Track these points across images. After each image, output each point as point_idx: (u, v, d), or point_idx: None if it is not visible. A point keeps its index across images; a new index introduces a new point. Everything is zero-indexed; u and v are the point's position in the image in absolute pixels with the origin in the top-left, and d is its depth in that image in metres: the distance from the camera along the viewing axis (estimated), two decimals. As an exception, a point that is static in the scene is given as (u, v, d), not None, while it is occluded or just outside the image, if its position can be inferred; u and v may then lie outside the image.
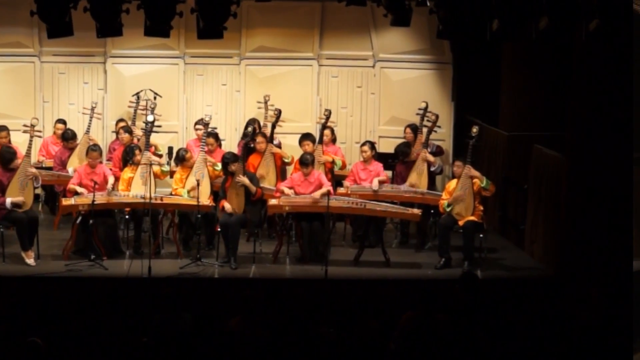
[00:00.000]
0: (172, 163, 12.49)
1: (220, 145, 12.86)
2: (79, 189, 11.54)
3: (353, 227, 12.63)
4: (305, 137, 12.59)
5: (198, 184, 11.53)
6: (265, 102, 13.52)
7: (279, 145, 13.03)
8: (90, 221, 11.17)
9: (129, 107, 13.55)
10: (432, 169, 12.52)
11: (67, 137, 12.79)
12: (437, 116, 12.77)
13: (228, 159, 11.67)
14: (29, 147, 11.55)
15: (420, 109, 12.85)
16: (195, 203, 11.41)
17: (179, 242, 11.80)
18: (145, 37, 10.15)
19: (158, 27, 9.89)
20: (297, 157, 12.30)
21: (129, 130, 12.75)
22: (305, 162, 11.80)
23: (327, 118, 12.81)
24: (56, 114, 13.79)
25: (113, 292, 10.43)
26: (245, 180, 11.59)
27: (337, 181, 12.74)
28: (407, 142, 12.72)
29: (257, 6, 13.09)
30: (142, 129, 12.35)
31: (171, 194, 11.96)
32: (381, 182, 12.29)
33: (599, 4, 9.62)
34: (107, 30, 9.94)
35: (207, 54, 13.90)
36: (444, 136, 13.93)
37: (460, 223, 11.56)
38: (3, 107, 13.80)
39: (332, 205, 11.49)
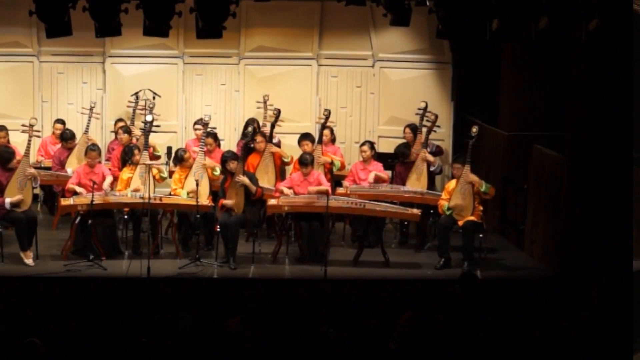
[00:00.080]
0: (171, 163, 12.47)
1: (219, 145, 12.85)
2: (78, 189, 11.53)
3: (352, 227, 12.61)
4: (305, 137, 12.58)
5: (197, 184, 11.51)
6: (265, 102, 13.51)
7: (278, 144, 13.02)
8: (89, 221, 11.17)
9: (128, 107, 13.54)
10: (432, 168, 12.51)
11: (66, 137, 12.77)
12: (436, 116, 12.76)
13: (227, 157, 11.65)
14: (28, 147, 11.54)
15: (419, 109, 12.84)
16: (194, 203, 11.39)
17: (178, 242, 11.79)
18: (144, 37, 10.13)
19: (157, 27, 9.88)
20: (296, 157, 12.28)
21: (127, 131, 12.74)
22: (305, 162, 11.79)
23: (327, 118, 12.80)
24: (55, 114, 13.78)
25: (112, 292, 10.40)
26: (245, 180, 11.57)
27: (336, 181, 12.73)
28: (407, 143, 12.70)
29: (256, 6, 13.06)
30: (141, 129, 12.34)
31: (170, 194, 11.94)
32: (381, 180, 12.27)
33: (598, 3, 9.61)
34: (106, 30, 9.92)
35: (206, 53, 13.89)
36: (443, 136, 13.92)
37: (460, 223, 11.55)
38: (2, 107, 13.79)
39: (332, 205, 11.47)
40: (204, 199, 11.63)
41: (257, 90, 13.85)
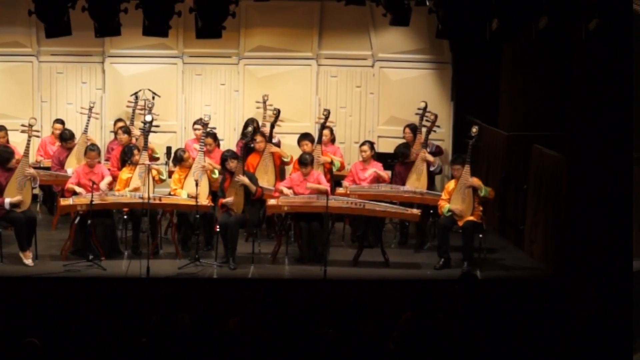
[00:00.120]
0: (170, 163, 12.46)
1: (218, 145, 12.84)
2: (78, 189, 11.52)
3: (352, 227, 12.61)
4: (304, 137, 12.57)
5: (196, 184, 11.49)
6: (264, 102, 13.50)
7: (278, 144, 13.01)
8: (89, 221, 11.15)
9: (128, 107, 13.53)
10: (432, 168, 12.50)
11: (65, 138, 12.77)
12: (436, 116, 12.74)
13: (227, 156, 11.63)
14: (27, 147, 11.52)
15: (419, 109, 12.84)
16: (193, 203, 11.38)
17: (177, 242, 11.77)
18: (144, 37, 10.11)
19: (156, 27, 9.87)
20: (296, 157, 12.27)
21: (127, 131, 12.73)
22: (305, 162, 11.78)
23: (326, 118, 12.79)
24: (54, 114, 13.78)
25: (111, 292, 10.42)
26: (245, 179, 11.56)
27: (335, 181, 12.72)
28: (407, 143, 12.70)
29: (255, 6, 13.07)
30: (140, 129, 12.32)
31: (170, 194, 11.93)
32: (381, 179, 12.27)
33: (598, 3, 9.61)
34: (106, 29, 9.91)
35: (205, 53, 13.88)
36: (443, 136, 13.92)
37: (460, 223, 11.54)
38: (1, 107, 13.78)
39: (331, 205, 11.46)
40: (204, 199, 11.62)
41: (257, 90, 13.84)
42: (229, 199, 11.50)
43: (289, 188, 11.78)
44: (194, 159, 12.06)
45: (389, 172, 12.65)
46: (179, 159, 12.06)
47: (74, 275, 10.92)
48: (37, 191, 12.68)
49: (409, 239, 12.59)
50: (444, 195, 11.73)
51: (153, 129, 12.08)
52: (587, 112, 10.71)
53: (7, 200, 11.17)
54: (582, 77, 10.76)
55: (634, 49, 10.06)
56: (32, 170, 11.48)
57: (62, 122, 13.24)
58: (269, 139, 12.67)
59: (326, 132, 12.89)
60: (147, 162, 11.71)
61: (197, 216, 11.42)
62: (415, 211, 11.67)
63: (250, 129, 12.47)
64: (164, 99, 13.64)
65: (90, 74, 13.98)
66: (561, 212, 11.21)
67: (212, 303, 10.26)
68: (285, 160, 12.76)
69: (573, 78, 10.96)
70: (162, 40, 12.57)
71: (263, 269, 11.38)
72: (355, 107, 14.25)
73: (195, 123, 13.04)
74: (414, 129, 12.84)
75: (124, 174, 11.83)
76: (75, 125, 13.46)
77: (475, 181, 11.54)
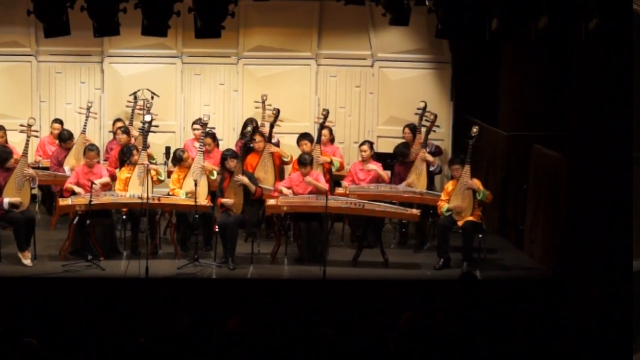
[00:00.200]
0: (170, 163, 12.44)
1: (217, 145, 12.82)
2: (77, 189, 11.50)
3: (351, 227, 12.59)
4: (303, 136, 12.55)
5: (195, 184, 11.48)
6: (263, 102, 13.48)
7: (277, 144, 12.99)
8: (87, 221, 11.13)
9: (127, 106, 13.51)
10: (431, 169, 12.49)
11: (64, 138, 12.76)
12: (435, 116, 12.73)
13: (227, 155, 11.61)
14: (26, 147, 11.51)
15: (419, 109, 12.83)
16: (192, 203, 11.36)
17: (176, 242, 11.75)
18: (143, 37, 10.10)
19: (155, 27, 9.86)
20: (295, 156, 12.26)
21: (126, 131, 12.72)
22: (304, 162, 11.76)
23: (325, 118, 12.78)
24: (53, 114, 13.76)
25: (110, 292, 10.40)
26: (244, 179, 11.54)
27: (335, 181, 12.70)
28: (406, 143, 12.68)
29: (255, 5, 13.06)
30: (139, 129, 12.31)
31: (169, 194, 11.91)
32: (381, 179, 12.26)
33: (598, 3, 9.60)
34: (104, 29, 9.91)
35: (204, 53, 13.86)
36: (442, 136, 13.91)
37: (459, 223, 11.52)
38: (0, 107, 13.74)
39: (331, 205, 11.45)
40: (203, 199, 11.60)
41: (256, 90, 13.82)
42: (228, 201, 11.48)
43: (288, 188, 11.77)
44: (193, 159, 12.05)
45: (389, 172, 12.64)
46: (178, 159, 12.04)
47: (72, 276, 10.91)
48: (35, 191, 12.67)
49: (409, 239, 12.57)
50: (443, 196, 11.71)
51: (152, 129, 12.06)
52: (587, 112, 10.70)
53: (6, 200, 11.15)
54: (582, 77, 10.75)
55: (633, 49, 10.05)
56: (31, 171, 11.47)
57: (60, 122, 13.23)
58: (268, 138, 12.65)
59: (325, 132, 12.88)
60: (146, 162, 11.69)
61: (196, 216, 11.41)
62: (415, 211, 11.65)
63: (249, 128, 12.45)
64: (163, 99, 13.62)
65: (89, 73, 13.97)
66: (561, 212, 11.20)
67: (211, 303, 10.25)
68: (285, 160, 12.74)
69: (573, 78, 10.95)
70: (161, 40, 12.56)
71: (262, 269, 11.37)
72: (355, 107, 14.23)
73: (194, 123, 13.02)
74: (413, 128, 12.82)
75: (123, 174, 11.81)
76: (74, 125, 13.44)
77: (476, 183, 11.52)
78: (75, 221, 11.33)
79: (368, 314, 8.95)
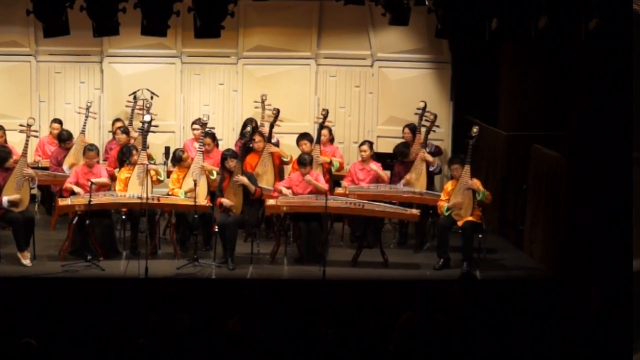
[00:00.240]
0: (169, 163, 12.43)
1: (217, 145, 12.81)
2: (76, 189, 11.49)
3: (351, 227, 12.58)
4: (303, 136, 12.54)
5: (195, 184, 11.47)
6: (262, 102, 13.47)
7: (277, 144, 12.98)
8: (87, 221, 11.12)
9: (127, 106, 13.50)
10: (431, 169, 12.47)
11: (63, 139, 12.75)
12: (435, 116, 12.72)
13: (227, 155, 11.60)
14: (26, 147, 11.50)
15: (418, 109, 12.82)
16: (192, 203, 11.35)
17: (176, 242, 11.74)
18: (142, 36, 10.09)
19: (155, 26, 9.85)
20: (295, 156, 12.25)
21: (126, 131, 12.71)
22: (304, 162, 11.75)
23: (325, 118, 12.77)
24: (52, 114, 13.74)
25: (109, 292, 10.40)
26: (244, 179, 11.52)
27: (335, 181, 12.69)
28: (406, 142, 12.68)
29: (254, 5, 13.04)
30: (139, 128, 12.30)
31: (168, 194, 11.90)
32: (380, 179, 12.25)
33: (598, 3, 9.60)
34: (104, 29, 9.90)
35: (204, 53, 13.85)
36: (442, 136, 13.89)
37: (459, 223, 11.51)
38: (-1, 107, 13.77)
39: (330, 205, 11.44)
40: (202, 199, 11.59)
41: (256, 89, 13.81)
42: (227, 202, 11.46)
43: (288, 188, 11.76)
44: (192, 159, 12.03)
45: (388, 173, 12.63)
46: (177, 159, 12.03)
47: (72, 276, 10.90)
48: (35, 191, 12.66)
49: (408, 239, 12.56)
50: (443, 196, 11.70)
51: (152, 128, 12.06)
52: (587, 112, 10.69)
53: (5, 199, 11.13)
54: (581, 77, 10.74)
55: (633, 49, 10.03)
56: (30, 171, 11.46)
57: (59, 121, 13.22)
58: (268, 138, 12.64)
59: (325, 132, 12.87)
60: (146, 162, 11.68)
61: (196, 216, 11.40)
62: (415, 211, 11.64)
63: (249, 128, 12.44)
64: (162, 99, 13.61)
65: (88, 73, 13.95)
66: (561, 212, 11.19)
67: (210, 303, 10.23)
68: (284, 160, 12.73)
69: (573, 78, 10.94)
70: (160, 40, 12.55)
71: (262, 269, 11.35)
72: (355, 106, 14.22)
73: (193, 123, 13.01)
74: (413, 128, 12.81)
75: (123, 174, 11.80)
76: (73, 125, 13.42)
77: (475, 183, 11.51)
78: (74, 221, 11.32)
79: (368, 314, 8.93)
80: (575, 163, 10.93)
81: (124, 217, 11.74)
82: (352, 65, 14.13)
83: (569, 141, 11.05)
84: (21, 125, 11.88)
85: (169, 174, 12.28)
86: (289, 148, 13.05)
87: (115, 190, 11.68)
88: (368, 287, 10.96)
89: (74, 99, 13.93)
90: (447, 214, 11.55)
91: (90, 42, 12.75)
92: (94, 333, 8.20)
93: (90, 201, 11.04)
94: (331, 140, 13.15)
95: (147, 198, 11.14)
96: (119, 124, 13.01)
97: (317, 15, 13.91)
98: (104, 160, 12.80)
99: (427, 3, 10.10)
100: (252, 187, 11.55)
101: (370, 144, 12.56)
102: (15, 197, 11.18)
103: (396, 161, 12.60)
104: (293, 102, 13.89)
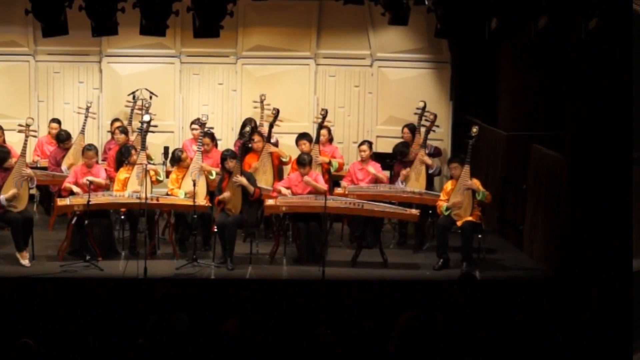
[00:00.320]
0: (168, 163, 12.41)
1: (216, 145, 12.79)
2: (75, 189, 11.48)
3: (350, 227, 12.57)
4: (302, 136, 12.53)
5: (194, 184, 11.45)
6: (261, 102, 13.45)
7: (276, 144, 12.97)
8: (86, 222, 11.10)
9: (126, 106, 13.48)
10: (430, 171, 12.45)
11: (62, 139, 12.73)
12: (435, 115, 12.71)
13: (226, 155, 11.58)
14: (24, 147, 11.48)
15: (418, 109, 12.81)
16: (191, 203, 11.33)
17: (175, 242, 11.73)
18: (141, 36, 10.08)
19: (154, 26, 9.84)
20: (294, 156, 12.23)
21: (124, 131, 12.69)
22: (303, 162, 11.74)
23: (324, 118, 12.76)
24: (51, 114, 13.72)
25: (108, 293, 10.37)
26: (243, 180, 11.51)
27: (334, 181, 12.68)
28: (405, 142, 12.67)
29: (253, 5, 13.03)
30: (138, 128, 12.28)
31: (167, 194, 11.88)
32: (379, 180, 12.24)
33: (598, 3, 9.59)
34: (103, 29, 9.89)
35: (203, 53, 13.83)
36: (442, 136, 13.88)
37: (459, 223, 11.49)
38: (-2, 107, 13.75)
39: (330, 205, 11.42)
40: (201, 199, 11.58)
41: (255, 89, 13.80)
42: (224, 194, 11.43)
43: (287, 188, 11.74)
44: (191, 159, 12.02)
45: (387, 173, 12.61)
46: (176, 159, 12.01)
47: (71, 276, 10.88)
48: (34, 191, 12.64)
49: (408, 239, 12.54)
50: (442, 196, 11.69)
51: (151, 128, 12.04)
52: (587, 112, 10.68)
53: (3, 197, 11.11)
54: (581, 77, 10.73)
55: (633, 49, 10.02)
56: (29, 171, 11.44)
57: (58, 121, 13.20)
58: (267, 138, 12.63)
59: (324, 131, 12.86)
60: (145, 162, 11.67)
61: (195, 216, 11.38)
62: (414, 211, 11.63)
63: (248, 128, 12.42)
64: (161, 99, 13.59)
65: (87, 73, 13.93)
66: (561, 212, 11.18)
67: (209, 304, 10.22)
68: (283, 160, 12.71)
69: (573, 78, 10.93)
70: (159, 40, 12.54)
71: (261, 270, 11.34)
72: (354, 106, 14.20)
73: (192, 123, 12.99)
74: (412, 128, 12.80)
75: (122, 174, 11.78)
76: (72, 125, 13.41)
77: (475, 183, 11.50)
78: (73, 221, 11.31)
79: (367, 314, 8.93)
80: (575, 163, 10.92)
81: (122, 217, 11.73)
82: (351, 65, 14.11)
83: (569, 141, 11.03)
84: (20, 125, 11.86)
85: (168, 174, 12.26)
86: (288, 148, 13.03)
87: (114, 190, 11.66)
88: (367, 288, 10.95)
89: (72, 99, 13.91)
90: (446, 214, 11.54)
91: (89, 42, 12.74)
92: (92, 333, 8.19)
93: (89, 201, 11.02)
94: (330, 140, 13.13)
95: (146, 198, 11.12)
96: (117, 124, 12.98)
97: (316, 15, 13.90)
98: (103, 160, 12.77)
99: (426, 3, 10.09)
100: (250, 188, 11.53)
101: (370, 144, 12.55)
102: (11, 192, 11.13)
103: (396, 161, 12.59)
104: (292, 102, 13.88)
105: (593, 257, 10.57)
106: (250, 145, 12.37)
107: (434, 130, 12.82)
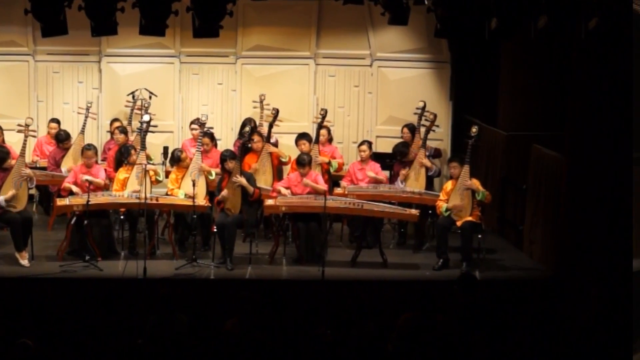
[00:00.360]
0: (167, 163, 12.40)
1: (215, 145, 12.78)
2: (74, 189, 11.47)
3: (350, 227, 12.56)
4: (302, 136, 12.52)
5: (194, 184, 11.44)
6: (261, 102, 13.44)
7: (275, 144, 12.95)
8: (85, 222, 11.09)
9: (126, 106, 13.47)
10: (430, 173, 12.42)
11: (61, 139, 12.71)
12: (435, 115, 12.70)
13: (226, 156, 11.58)
14: (24, 147, 11.46)
15: (418, 109, 12.79)
16: (190, 203, 11.32)
17: (174, 242, 11.72)
18: (141, 36, 10.06)
19: (153, 26, 9.83)
20: (294, 156, 12.22)
21: (124, 131, 12.67)
22: (302, 162, 11.73)
23: (323, 118, 12.75)
24: (50, 114, 13.71)
25: (108, 293, 10.37)
26: (242, 180, 11.50)
27: (334, 181, 12.66)
28: (405, 142, 12.66)
29: (253, 4, 13.02)
30: (137, 128, 12.27)
31: (167, 194, 11.87)
32: (379, 182, 12.23)
33: (598, 2, 9.58)
34: (102, 29, 9.87)
35: (202, 52, 13.82)
36: (441, 136, 13.87)
37: (458, 224, 11.48)
38: (-3, 107, 13.74)
39: (329, 205, 11.41)
40: (201, 199, 11.56)
41: (254, 89, 13.79)
42: (223, 193, 11.41)
43: (287, 188, 11.73)
44: (191, 159, 12.01)
45: (387, 173, 12.60)
46: (176, 159, 12.00)
47: (70, 276, 10.87)
48: (33, 191, 12.63)
49: (408, 239, 12.53)
50: (442, 196, 11.68)
51: (151, 128, 12.02)
52: (586, 112, 10.67)
53: (2, 198, 11.10)
54: (581, 77, 10.72)
55: (633, 49, 10.01)
56: (28, 171, 11.42)
57: (57, 121, 13.19)
58: (267, 138, 12.62)
59: (323, 131, 12.85)
60: (144, 162, 11.65)
61: (195, 216, 11.37)
62: (414, 211, 11.62)
63: (247, 128, 12.41)
64: (160, 99, 13.57)
65: (86, 73, 13.92)
66: (561, 213, 11.17)
67: (209, 304, 10.21)
68: (283, 160, 12.70)
69: (572, 77, 10.92)
70: (159, 40, 12.51)
71: (260, 270, 11.33)
72: (354, 106, 14.19)
73: (192, 123, 12.98)
74: (412, 128, 12.79)
75: (121, 174, 11.77)
76: (71, 125, 13.40)
77: (475, 183, 11.49)
78: (72, 221, 11.30)
79: (367, 314, 8.93)
80: (575, 163, 10.91)
81: (122, 217, 11.72)
82: (351, 65, 14.10)
83: (569, 141, 11.02)
84: (19, 125, 11.85)
85: (167, 174, 12.25)
86: (288, 148, 13.02)
87: (114, 190, 11.66)
88: (367, 288, 10.94)
89: (72, 99, 13.90)
90: (446, 214, 11.53)
91: (88, 42, 12.73)
92: (92, 334, 8.19)
93: (88, 201, 11.01)
94: (330, 140, 13.12)
95: (146, 198, 11.11)
96: (117, 124, 12.97)
97: (316, 14, 13.88)
98: (102, 160, 12.76)
99: (426, 2, 10.08)
100: (250, 188, 11.52)
101: (370, 144, 12.54)
102: (10, 193, 11.12)
103: (395, 161, 12.58)
104: (292, 102, 13.87)
105: (593, 257, 10.56)
106: (249, 145, 12.36)
107: (433, 130, 12.81)
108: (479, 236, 11.49)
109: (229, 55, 13.99)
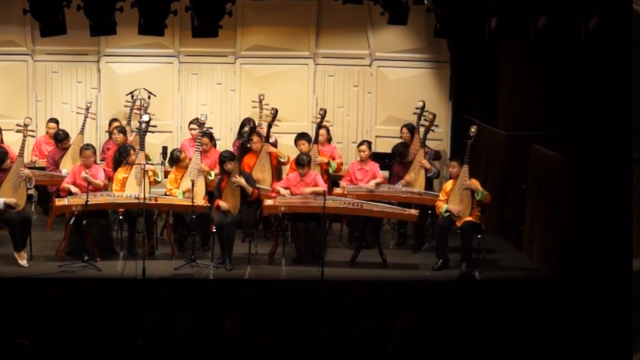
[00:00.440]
0: (167, 163, 12.39)
1: (215, 145, 12.76)
2: (73, 189, 11.46)
3: (350, 227, 12.55)
4: (301, 136, 12.51)
5: (193, 184, 11.43)
6: (260, 102, 13.43)
7: (274, 144, 12.94)
8: (84, 222, 11.08)
9: (125, 106, 13.46)
10: (429, 175, 12.42)
11: (60, 139, 12.70)
12: (434, 115, 12.70)
13: (225, 157, 11.56)
14: (22, 147, 11.45)
15: (417, 108, 12.79)
16: (189, 203, 11.31)
17: (173, 243, 11.70)
18: (140, 36, 10.05)
19: (152, 26, 9.81)
20: (293, 156, 12.21)
21: (123, 130, 12.66)
22: (302, 162, 11.71)
23: (322, 118, 12.74)
24: (49, 114, 13.70)
25: (107, 293, 10.36)
26: (241, 181, 11.48)
27: (333, 181, 12.65)
28: (405, 143, 12.65)
29: (252, 4, 13.02)
30: (137, 128, 12.26)
31: (166, 194, 11.86)
32: (378, 184, 12.22)
33: (598, 2, 9.56)
34: (101, 28, 9.86)
35: (201, 52, 13.81)
36: (441, 136, 13.87)
37: (458, 224, 11.48)
38: (-4, 107, 13.72)
39: (329, 205, 11.40)
40: (200, 200, 11.55)
41: (254, 89, 13.78)
42: (224, 205, 11.41)
43: (286, 188, 11.71)
44: (190, 159, 11.99)
45: (386, 173, 12.59)
46: (175, 159, 11.99)
47: (69, 276, 10.87)
48: (32, 191, 12.62)
49: (407, 239, 12.52)
50: (442, 196, 11.67)
51: (150, 128, 12.01)
52: (587, 112, 10.67)
53: (2, 201, 11.09)
54: (581, 77, 10.72)
55: (633, 49, 10.00)
56: (27, 171, 11.42)
57: (56, 121, 13.17)
58: (266, 138, 12.60)
59: (322, 131, 12.84)
60: (143, 162, 11.64)
61: (194, 217, 11.36)
62: (413, 211, 11.61)
63: (246, 128, 12.40)
64: (159, 99, 13.56)
65: (85, 73, 13.91)
66: (560, 213, 11.17)
67: (208, 304, 10.19)
68: (282, 160, 12.69)
69: (572, 78, 10.91)
70: (158, 39, 12.51)
71: (260, 270, 11.32)
72: (353, 106, 14.19)
73: (191, 123, 12.96)
74: (411, 128, 12.78)
75: (120, 174, 11.76)
76: (70, 125, 13.39)
77: (474, 183, 11.48)
78: (71, 221, 11.29)
79: (366, 314, 8.90)
80: (575, 163, 10.91)
81: (121, 217, 11.70)
82: (350, 65, 14.10)
83: (569, 141, 11.02)
84: (18, 125, 11.84)
85: (166, 174, 12.23)
86: (287, 148, 13.01)
87: (114, 190, 11.65)
88: (367, 288, 10.93)
89: (71, 99, 13.89)
90: (446, 214, 11.51)
91: (87, 42, 12.72)
92: (91, 334, 8.16)
93: (87, 201, 11.00)
94: (329, 140, 13.11)
95: (145, 198, 11.09)
96: (116, 124, 12.96)
97: (315, 14, 13.88)
98: (101, 160, 12.75)
99: (426, 2, 10.06)
100: (249, 189, 11.50)
101: (369, 144, 12.52)
102: (11, 200, 11.14)
103: (395, 161, 12.56)
104: (291, 102, 13.86)
105: (593, 257, 10.56)
106: (248, 145, 12.35)
107: (433, 130, 12.80)
108: (479, 236, 11.48)
109: (228, 55, 13.98)
